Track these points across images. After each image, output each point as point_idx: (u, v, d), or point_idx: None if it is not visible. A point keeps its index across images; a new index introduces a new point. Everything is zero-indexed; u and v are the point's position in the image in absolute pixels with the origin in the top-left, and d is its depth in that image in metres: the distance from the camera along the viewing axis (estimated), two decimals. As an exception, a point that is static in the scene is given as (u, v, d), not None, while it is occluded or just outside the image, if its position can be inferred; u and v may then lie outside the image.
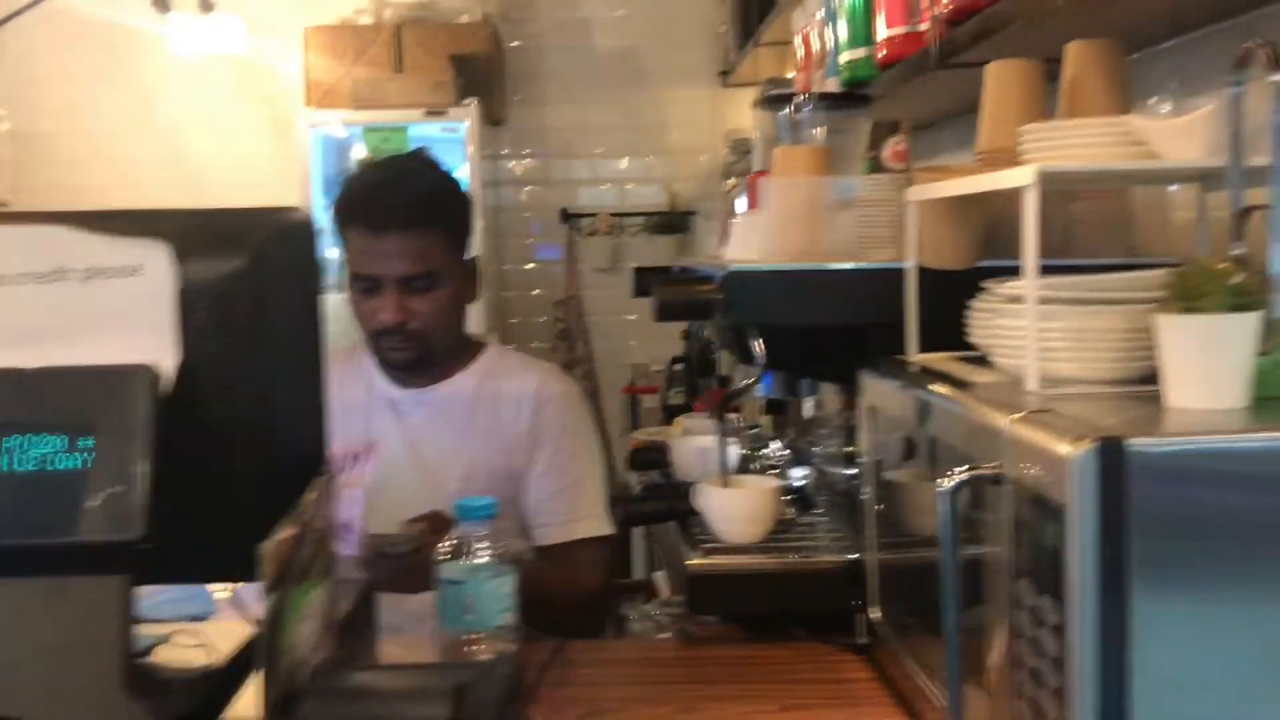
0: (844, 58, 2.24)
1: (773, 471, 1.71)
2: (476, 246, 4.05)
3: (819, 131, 2.25)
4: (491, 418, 1.75)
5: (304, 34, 4.00)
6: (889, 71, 2.03)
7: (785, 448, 1.83)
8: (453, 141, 4.05)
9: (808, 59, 2.73)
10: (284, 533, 0.93)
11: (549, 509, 1.74)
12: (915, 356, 1.33)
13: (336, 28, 4.05)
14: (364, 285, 1.69)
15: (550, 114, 4.51)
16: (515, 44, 4.45)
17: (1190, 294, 0.89)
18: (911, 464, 1.27)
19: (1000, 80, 1.43)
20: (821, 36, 2.50)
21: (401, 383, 1.78)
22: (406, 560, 1.47)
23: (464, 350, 1.80)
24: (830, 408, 1.77)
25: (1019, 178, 1.02)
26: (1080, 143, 1.13)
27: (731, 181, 2.07)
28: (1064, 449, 0.83)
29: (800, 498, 1.63)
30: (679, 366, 3.51)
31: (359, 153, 4.00)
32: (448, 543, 1.19)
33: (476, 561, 1.15)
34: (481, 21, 4.06)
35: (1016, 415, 0.93)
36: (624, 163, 4.53)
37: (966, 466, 0.96)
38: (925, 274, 1.35)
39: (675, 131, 4.47)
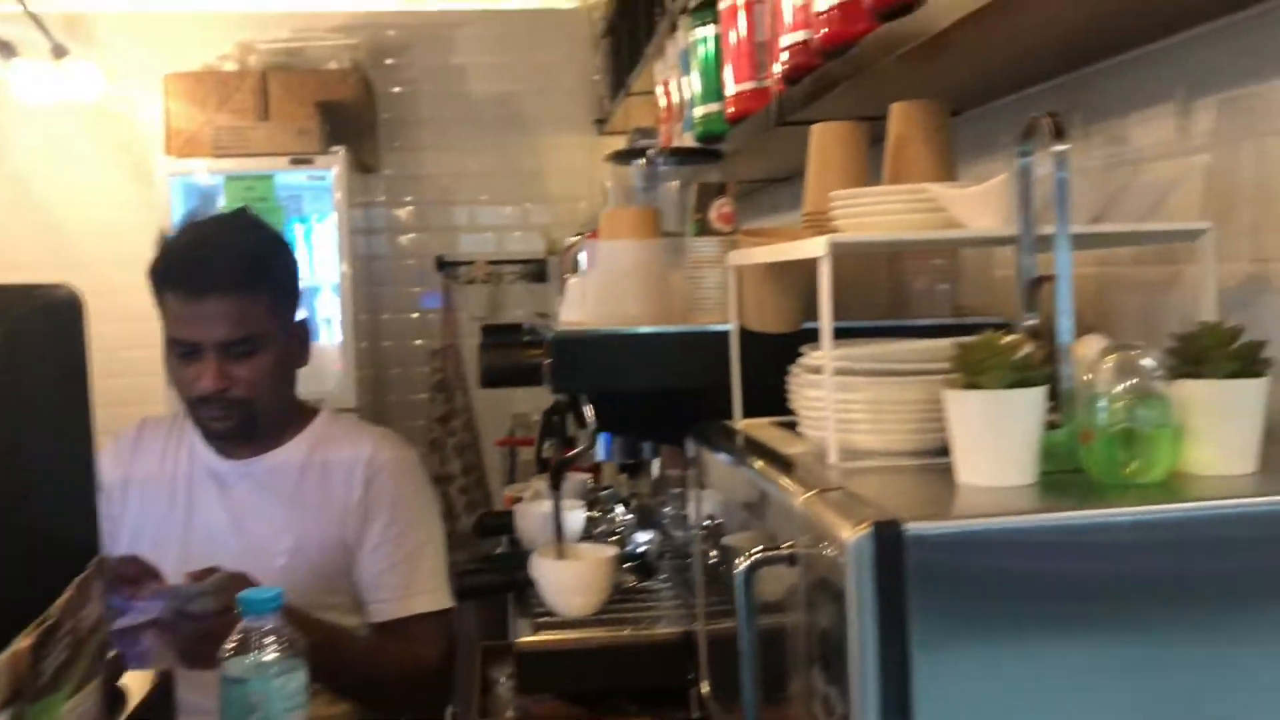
0: (698, 111, 2.25)
1: (616, 536, 1.67)
2: (348, 297, 3.98)
3: (673, 186, 2.24)
4: (321, 488, 1.67)
5: (164, 81, 3.89)
6: (739, 126, 2.03)
7: (630, 511, 1.79)
8: (320, 189, 3.97)
9: (669, 110, 2.73)
10: (23, 641, 0.85)
11: (384, 583, 1.67)
12: (740, 422, 1.30)
13: (199, 74, 3.94)
14: (182, 351, 1.61)
15: (427, 160, 4.45)
16: (393, 90, 4.39)
17: (973, 368, 0.88)
18: (741, 532, 1.24)
19: (823, 142, 1.43)
20: (680, 88, 2.51)
21: (225, 453, 1.70)
22: (212, 625, 1.34)
23: (293, 417, 1.73)
24: (675, 469, 1.73)
25: (813, 249, 1.01)
26: (885, 209, 1.13)
27: (572, 238, 2.04)
28: (843, 532, 0.80)
29: (642, 564, 1.59)
30: (555, 418, 3.44)
31: (223, 201, 3.89)
32: (233, 638, 1.11)
33: (263, 658, 1.08)
34: (350, 68, 3.99)
35: (807, 494, 0.91)
36: (502, 210, 4.49)
37: (761, 546, 0.93)
38: (750, 337, 1.33)
39: (553, 179, 4.45)
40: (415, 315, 4.46)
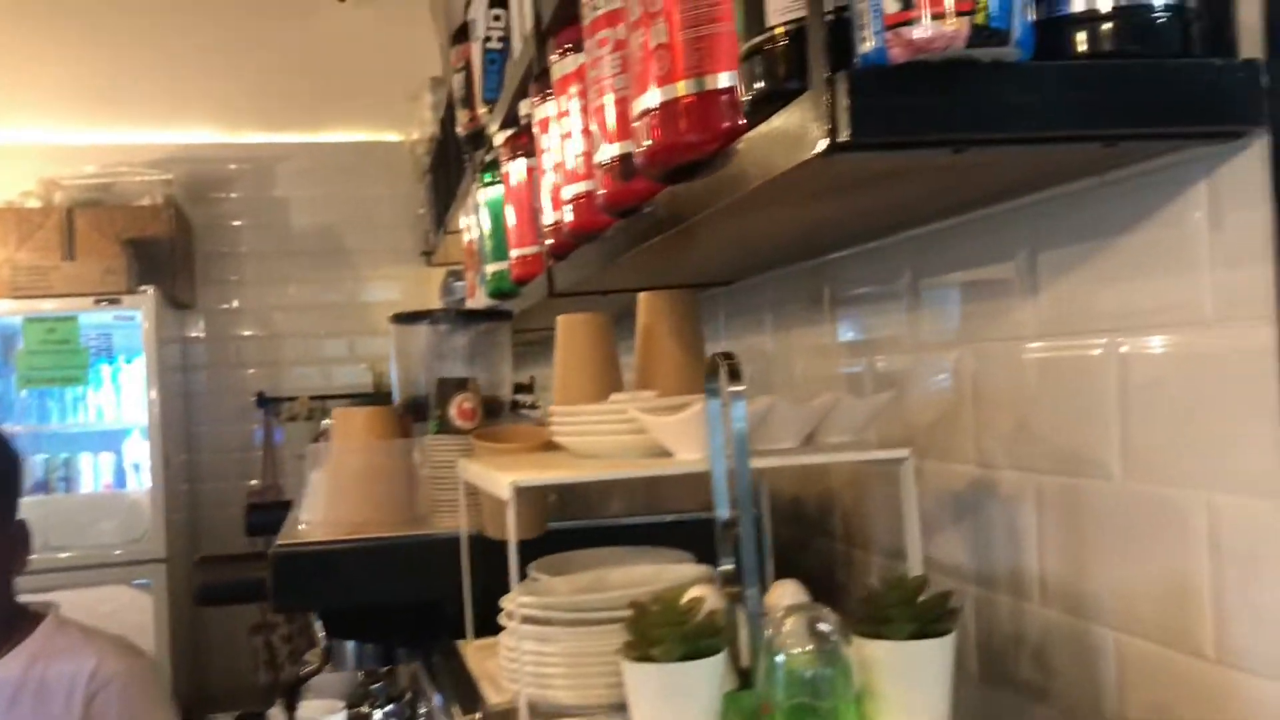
0: (489, 268, 2.20)
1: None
2: (157, 439, 3.76)
3: (462, 344, 2.17)
4: (37, 710, 1.51)
5: (-41, 218, 3.69)
6: (525, 287, 1.99)
7: (402, 705, 1.67)
8: (130, 328, 3.79)
9: (470, 257, 2.69)
10: None
11: (109, 812, 1.50)
12: (470, 645, 1.21)
13: (-3, 211, 3.76)
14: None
15: (250, 295, 4.31)
16: (213, 224, 4.26)
17: (646, 639, 0.82)
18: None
19: (568, 333, 1.39)
20: (480, 238, 2.47)
21: (-71, 673, 1.52)
22: None
23: (12, 628, 1.56)
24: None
25: (500, 488, 0.94)
26: (598, 429, 1.07)
27: (326, 421, 1.95)
28: None
29: (396, 779, 1.47)
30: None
31: (21, 345, 3.68)
32: None
33: None
34: (163, 204, 3.86)
35: (474, 782, 0.82)
36: (329, 343, 4.36)
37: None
38: (490, 544, 1.25)
39: (381, 310, 4.34)
40: (236, 455, 4.26)
